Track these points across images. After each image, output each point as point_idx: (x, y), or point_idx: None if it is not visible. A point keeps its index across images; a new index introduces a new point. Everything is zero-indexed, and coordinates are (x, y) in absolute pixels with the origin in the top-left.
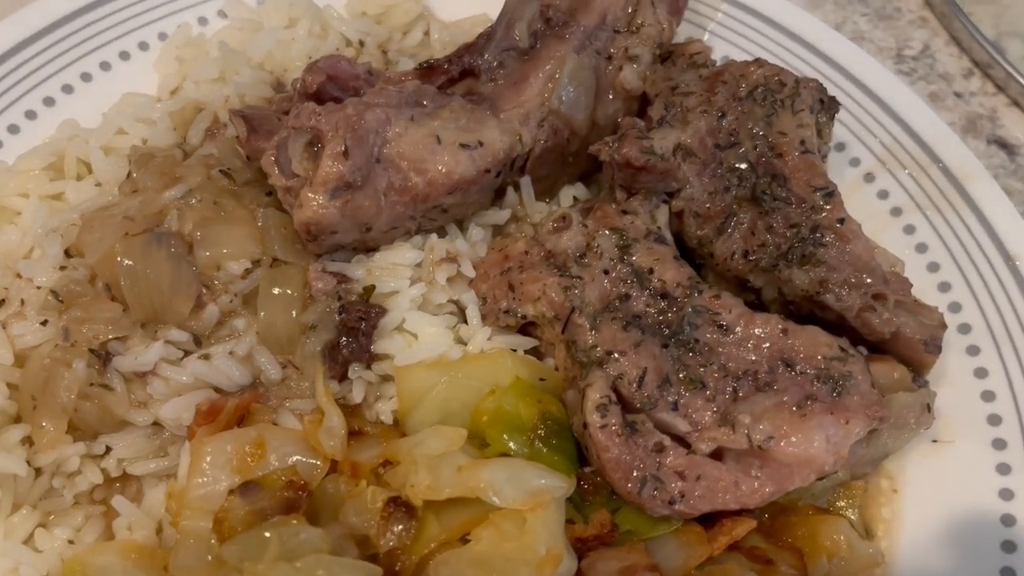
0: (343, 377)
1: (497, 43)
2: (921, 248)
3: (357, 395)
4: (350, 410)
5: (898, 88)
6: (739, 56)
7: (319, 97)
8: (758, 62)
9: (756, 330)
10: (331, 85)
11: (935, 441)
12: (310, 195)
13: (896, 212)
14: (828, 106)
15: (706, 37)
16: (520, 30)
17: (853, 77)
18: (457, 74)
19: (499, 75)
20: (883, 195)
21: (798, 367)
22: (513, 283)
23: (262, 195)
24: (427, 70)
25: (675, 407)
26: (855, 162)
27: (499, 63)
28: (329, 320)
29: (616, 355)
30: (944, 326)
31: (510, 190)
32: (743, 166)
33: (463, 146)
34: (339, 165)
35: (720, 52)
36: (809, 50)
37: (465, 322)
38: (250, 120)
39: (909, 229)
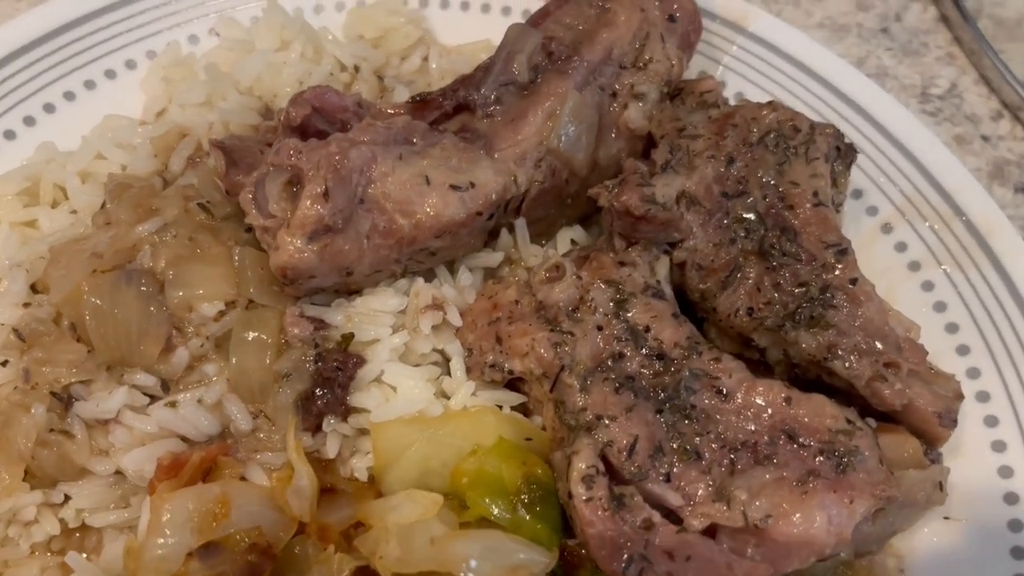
0: (317, 429)
1: (495, 77)
2: (939, 307)
3: (331, 449)
4: (323, 465)
5: (921, 133)
6: (753, 93)
7: (304, 130)
8: (771, 105)
9: (757, 398)
10: (317, 118)
11: (947, 518)
12: (287, 238)
13: (914, 267)
14: (845, 154)
15: (718, 71)
16: (520, 63)
17: (873, 119)
18: (451, 109)
19: (496, 111)
20: (901, 248)
21: (801, 439)
22: (501, 335)
23: (241, 231)
24: (420, 104)
25: (667, 478)
26: (872, 211)
27: (496, 98)
28: (304, 369)
29: (606, 420)
30: (961, 397)
31: (504, 231)
32: (751, 217)
33: (453, 187)
34: (318, 207)
35: (733, 88)
36: (827, 88)
37: (448, 374)
38: (230, 152)
39: (927, 286)
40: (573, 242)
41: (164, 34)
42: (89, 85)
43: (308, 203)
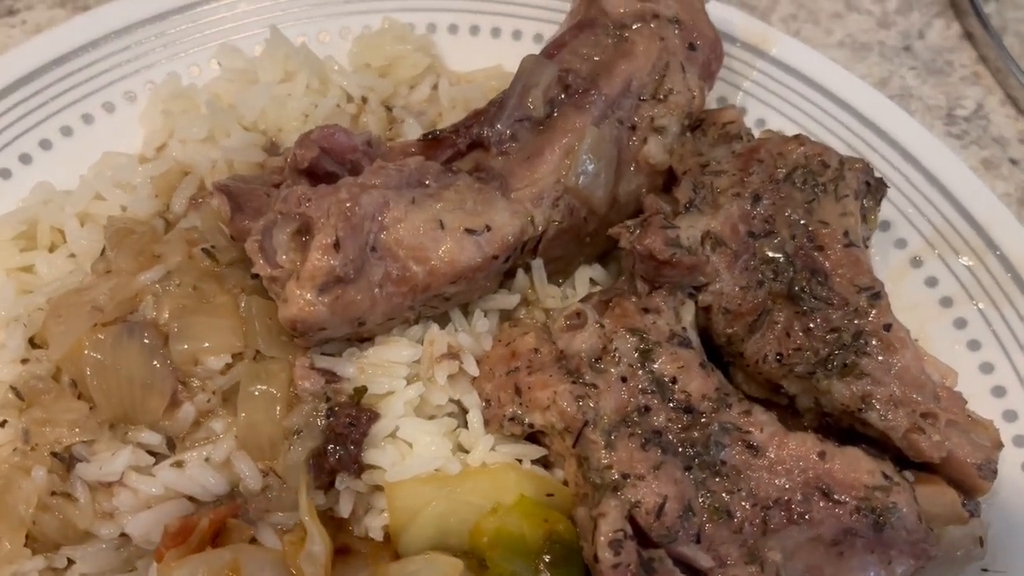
0: (329, 486)
1: (509, 112)
2: (973, 346)
3: (344, 508)
4: (336, 523)
5: (951, 162)
6: (775, 120)
7: (313, 172)
8: (798, 139)
9: (790, 453)
10: (326, 159)
11: (985, 571)
12: (296, 291)
13: (946, 303)
14: (875, 189)
15: (738, 97)
16: (535, 98)
17: (900, 147)
18: (465, 147)
19: (511, 148)
20: (932, 283)
21: (836, 496)
22: (520, 386)
23: (247, 277)
24: (432, 142)
25: (697, 539)
26: (901, 243)
27: (511, 134)
28: (315, 424)
29: (633, 479)
30: (1000, 446)
31: (520, 272)
32: (779, 258)
33: (469, 231)
34: (329, 258)
35: (754, 115)
36: (852, 115)
37: (465, 425)
38: (235, 196)
39: (960, 323)
40: (592, 281)
41: (164, 64)
42: (87, 119)
43: (318, 254)
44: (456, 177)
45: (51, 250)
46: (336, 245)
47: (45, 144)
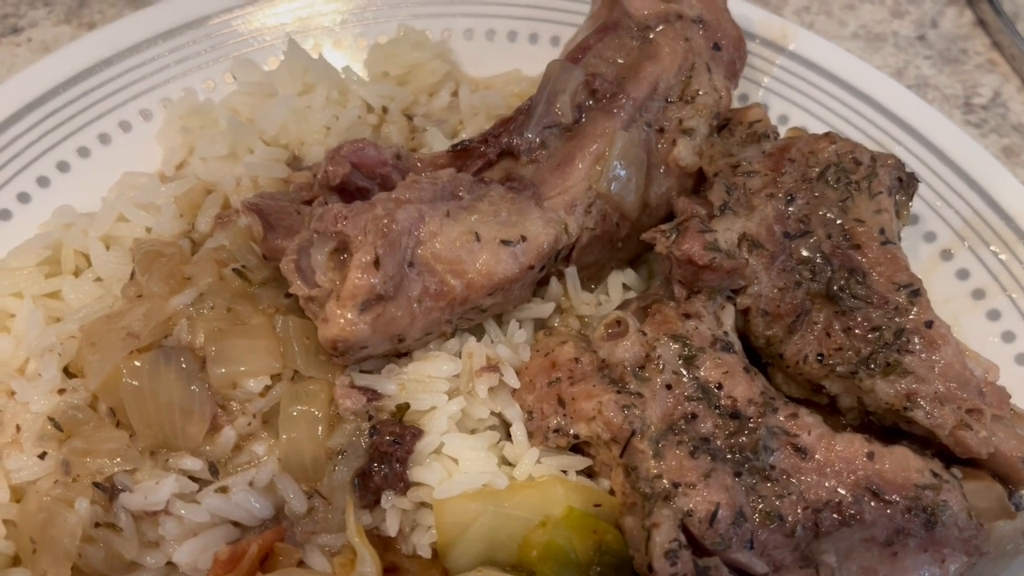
0: (375, 505)
1: (538, 119)
2: (1008, 337)
3: (391, 527)
4: (383, 542)
5: (977, 153)
6: (797, 115)
7: (343, 187)
8: (829, 137)
9: (838, 454)
10: (356, 174)
11: None
12: (337, 310)
13: (978, 295)
14: (907, 184)
15: (759, 94)
16: (563, 104)
17: (925, 139)
18: (495, 156)
19: (541, 156)
20: (963, 275)
21: (886, 496)
22: (563, 397)
23: (280, 296)
24: (461, 152)
25: (751, 545)
26: (930, 237)
27: (541, 142)
28: (359, 444)
29: (684, 488)
30: None
31: (553, 280)
32: (816, 258)
33: (504, 242)
34: (369, 277)
35: (776, 111)
36: (875, 108)
37: (508, 437)
38: (266, 215)
39: (993, 315)
40: (625, 286)
41: (178, 80)
42: (104, 139)
43: (358, 273)
44: (489, 188)
45: (76, 275)
46: (376, 263)
47: (62, 166)
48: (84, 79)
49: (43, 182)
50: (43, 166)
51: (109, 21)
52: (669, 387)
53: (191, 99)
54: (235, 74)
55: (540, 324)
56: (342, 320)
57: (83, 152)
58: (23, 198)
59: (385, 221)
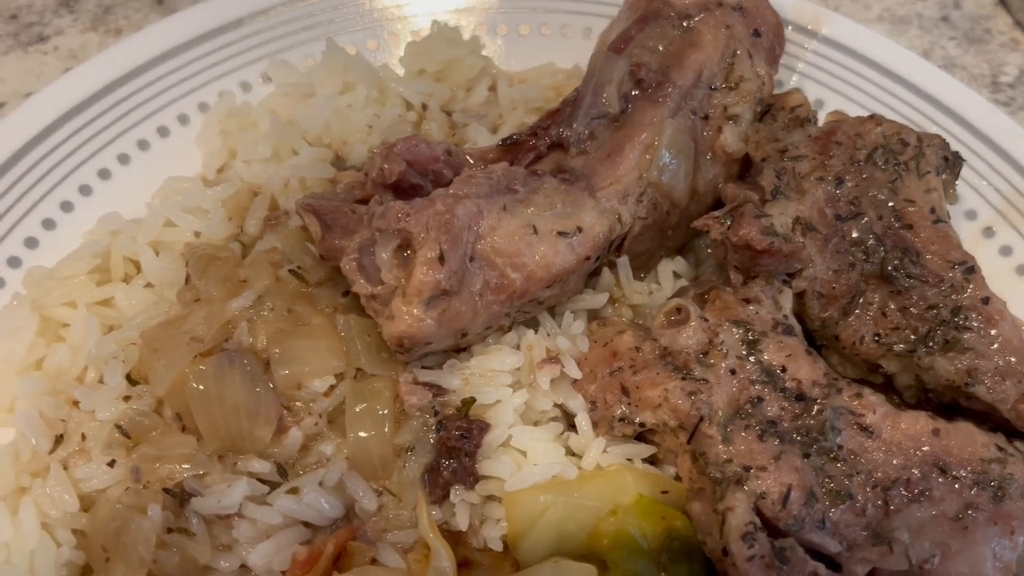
0: (443, 499)
1: (585, 111)
2: None
3: (462, 521)
4: (453, 537)
5: (1013, 130)
6: (832, 100)
7: (397, 185)
8: (874, 119)
9: (904, 432)
10: (410, 171)
11: None
12: (403, 307)
13: (1022, 271)
14: (952, 164)
15: (794, 79)
16: (610, 94)
17: (962, 119)
18: (545, 148)
19: (590, 147)
20: (1006, 252)
21: (954, 472)
22: (627, 386)
23: (338, 296)
24: (511, 146)
25: (823, 525)
26: (971, 215)
27: (590, 133)
28: (426, 439)
29: (755, 471)
30: None
31: (605, 270)
32: (869, 239)
33: (561, 234)
34: (434, 272)
35: (812, 95)
36: (910, 90)
37: (571, 427)
38: (322, 216)
39: None
40: (675, 274)
41: (214, 84)
42: (143, 145)
43: (424, 269)
44: (542, 180)
45: (125, 281)
46: (440, 258)
47: (103, 174)
48: (121, 85)
49: (85, 190)
50: (84, 174)
51: (135, 27)
52: (733, 372)
53: (228, 102)
54: (270, 75)
55: (593, 315)
56: (409, 317)
57: (123, 159)
58: (66, 207)
59: (447, 217)
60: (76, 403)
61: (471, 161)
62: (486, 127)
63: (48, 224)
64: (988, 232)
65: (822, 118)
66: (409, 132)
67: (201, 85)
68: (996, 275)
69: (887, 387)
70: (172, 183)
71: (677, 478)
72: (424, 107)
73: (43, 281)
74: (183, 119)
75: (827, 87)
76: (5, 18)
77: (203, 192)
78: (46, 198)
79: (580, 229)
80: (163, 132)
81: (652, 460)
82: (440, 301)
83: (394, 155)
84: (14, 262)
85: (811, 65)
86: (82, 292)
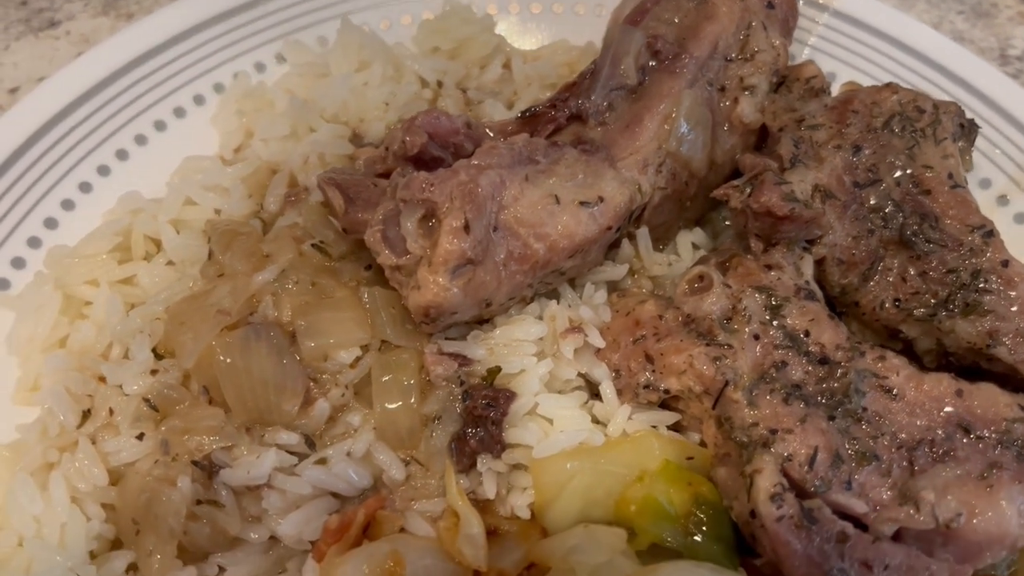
0: (470, 468)
1: (604, 82)
2: None
3: (489, 490)
4: (480, 505)
5: None
6: (844, 72)
7: (419, 158)
8: (891, 87)
9: (927, 393)
10: (431, 144)
11: None
12: (430, 276)
13: None
14: (968, 131)
15: (805, 52)
16: (627, 66)
17: (974, 88)
18: (565, 120)
19: (609, 118)
20: (1021, 219)
21: (978, 432)
22: (651, 353)
23: (360, 269)
24: (530, 119)
25: (849, 486)
26: (985, 183)
27: (608, 104)
28: (453, 409)
29: (782, 433)
30: None
31: (624, 242)
32: (887, 205)
33: (583, 204)
34: (459, 242)
35: (824, 68)
36: (924, 62)
37: (595, 396)
38: (345, 189)
39: None
40: (694, 246)
41: (228, 64)
42: (159, 126)
43: (450, 238)
44: (563, 151)
45: (147, 260)
46: (466, 227)
47: (121, 154)
48: (136, 66)
49: (103, 171)
50: (102, 155)
51: (146, 11)
52: (757, 337)
53: (244, 83)
54: (284, 55)
55: (613, 287)
56: (435, 286)
57: (140, 139)
58: (84, 188)
59: (471, 186)
60: (102, 379)
61: (490, 134)
62: (501, 103)
63: (67, 205)
64: (1002, 200)
65: (835, 90)
66: (424, 108)
67: (216, 66)
68: (1011, 242)
69: (907, 352)
70: (191, 162)
71: (701, 444)
72: (439, 84)
73: (65, 260)
74: (199, 100)
75: (839, 60)
76: (16, 4)
77: (222, 170)
78: (64, 179)
79: (601, 199)
80: (179, 113)
81: (676, 427)
82: (466, 270)
83: (416, 127)
84: (34, 243)
85: (822, 38)
86: (104, 270)
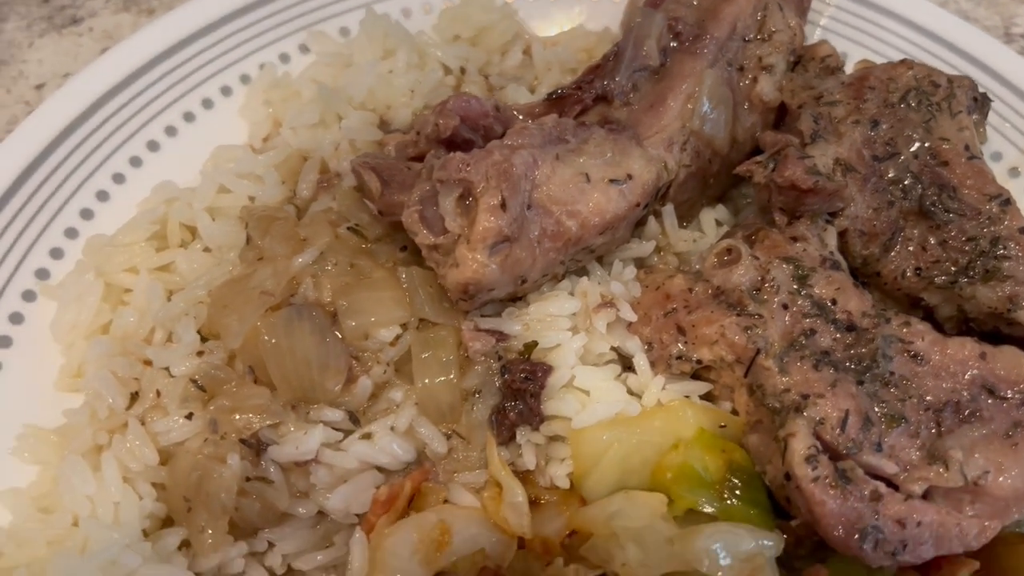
0: (510, 440)
1: (627, 64)
2: None
3: (529, 461)
4: (520, 477)
5: None
6: (855, 52)
7: (450, 140)
8: (905, 63)
9: (952, 357)
10: (463, 127)
11: None
12: (468, 254)
13: None
14: (981, 104)
15: (817, 33)
16: (650, 47)
17: (983, 64)
18: (591, 101)
19: (633, 98)
20: None
21: (1002, 393)
22: (682, 325)
23: (396, 251)
24: (557, 100)
25: (879, 447)
26: (997, 156)
27: (632, 85)
28: (492, 383)
29: (813, 398)
30: None
31: (651, 220)
32: (906, 177)
33: (612, 181)
34: (496, 219)
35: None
36: (934, 40)
37: (627, 369)
38: (380, 172)
39: None
40: (717, 222)
41: (254, 56)
42: (188, 117)
43: (487, 215)
44: (591, 130)
45: (183, 247)
46: (502, 205)
47: (152, 145)
48: (163, 60)
49: (135, 162)
50: (134, 147)
51: (166, 7)
52: (786, 307)
53: (270, 74)
54: (308, 46)
55: (640, 263)
56: (474, 263)
57: (170, 131)
58: (118, 179)
59: (505, 166)
60: (147, 363)
61: (519, 116)
62: (524, 88)
63: (102, 196)
64: (1014, 172)
65: (848, 70)
66: (449, 95)
67: (241, 58)
68: None
69: (928, 320)
70: (222, 151)
71: (733, 413)
72: (462, 71)
73: (104, 249)
74: (226, 91)
75: (850, 40)
76: (38, 2)
77: (254, 158)
78: (98, 171)
79: (630, 176)
80: (207, 104)
81: (708, 397)
82: (503, 247)
83: (448, 111)
84: (71, 233)
85: (833, 19)
86: (143, 258)
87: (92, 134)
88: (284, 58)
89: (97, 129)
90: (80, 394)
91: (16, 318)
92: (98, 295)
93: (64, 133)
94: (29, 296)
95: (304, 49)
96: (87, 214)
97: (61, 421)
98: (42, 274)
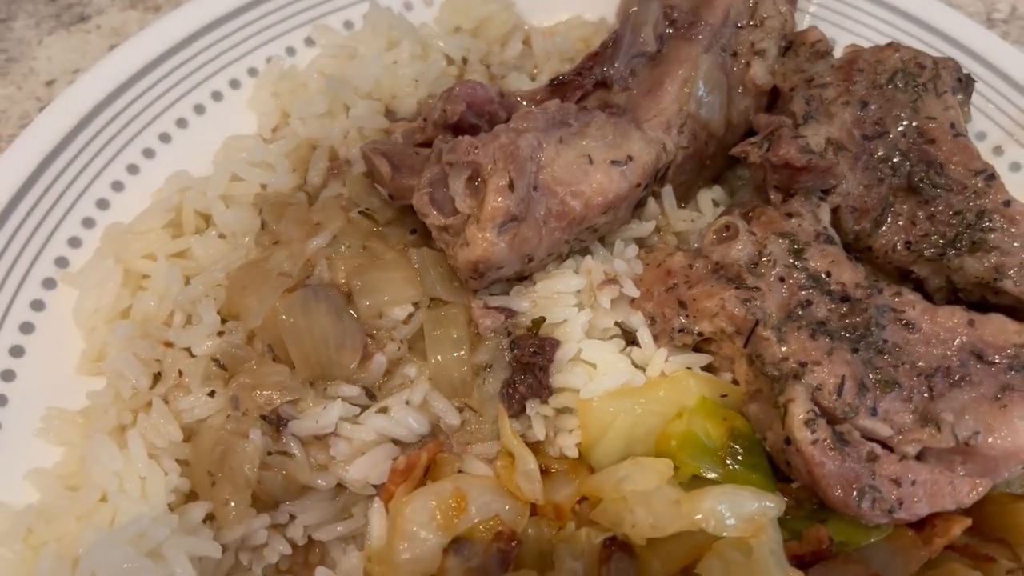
0: (520, 413)
1: (625, 50)
2: None
3: (539, 432)
4: (531, 447)
5: (1017, 57)
6: (843, 37)
7: (457, 126)
8: (892, 46)
9: (942, 324)
10: (468, 112)
11: None
12: (478, 233)
13: None
14: (965, 84)
15: (807, 20)
16: (647, 34)
17: (967, 48)
18: (591, 87)
19: (632, 83)
20: (1015, 168)
21: (989, 357)
22: (684, 299)
23: (406, 234)
24: (559, 86)
25: (874, 412)
26: (981, 136)
27: (631, 71)
28: (502, 358)
29: (811, 365)
30: None
31: (650, 201)
32: (895, 155)
33: (614, 163)
34: (505, 199)
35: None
36: (919, 25)
37: (631, 343)
38: (390, 157)
39: None
40: (714, 203)
41: (261, 49)
42: (199, 110)
43: (496, 196)
44: (592, 114)
45: (198, 234)
46: (510, 185)
47: (164, 137)
48: (172, 55)
49: (148, 153)
50: (147, 139)
51: (173, 4)
52: (782, 279)
53: (277, 66)
54: (314, 39)
55: (640, 243)
56: (484, 242)
57: (181, 123)
58: (132, 169)
59: (511, 148)
60: (168, 344)
61: (523, 102)
62: (525, 76)
63: (117, 186)
64: (998, 151)
65: (836, 55)
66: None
67: (248, 52)
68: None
69: (918, 291)
70: (233, 141)
71: (733, 383)
72: (464, 61)
73: (121, 236)
74: (234, 84)
75: (837, 26)
76: (45, 0)
77: (265, 147)
78: (113, 162)
79: (631, 158)
80: (217, 96)
81: (708, 368)
82: (511, 226)
83: (454, 97)
84: (88, 223)
85: (821, 6)
86: (160, 245)
87: (106, 127)
88: (290, 51)
89: (111, 122)
90: (101, 378)
91: (38, 305)
92: (118, 281)
93: (78, 127)
94: (49, 284)
95: (310, 42)
96: (103, 204)
97: (83, 404)
98: (61, 262)
